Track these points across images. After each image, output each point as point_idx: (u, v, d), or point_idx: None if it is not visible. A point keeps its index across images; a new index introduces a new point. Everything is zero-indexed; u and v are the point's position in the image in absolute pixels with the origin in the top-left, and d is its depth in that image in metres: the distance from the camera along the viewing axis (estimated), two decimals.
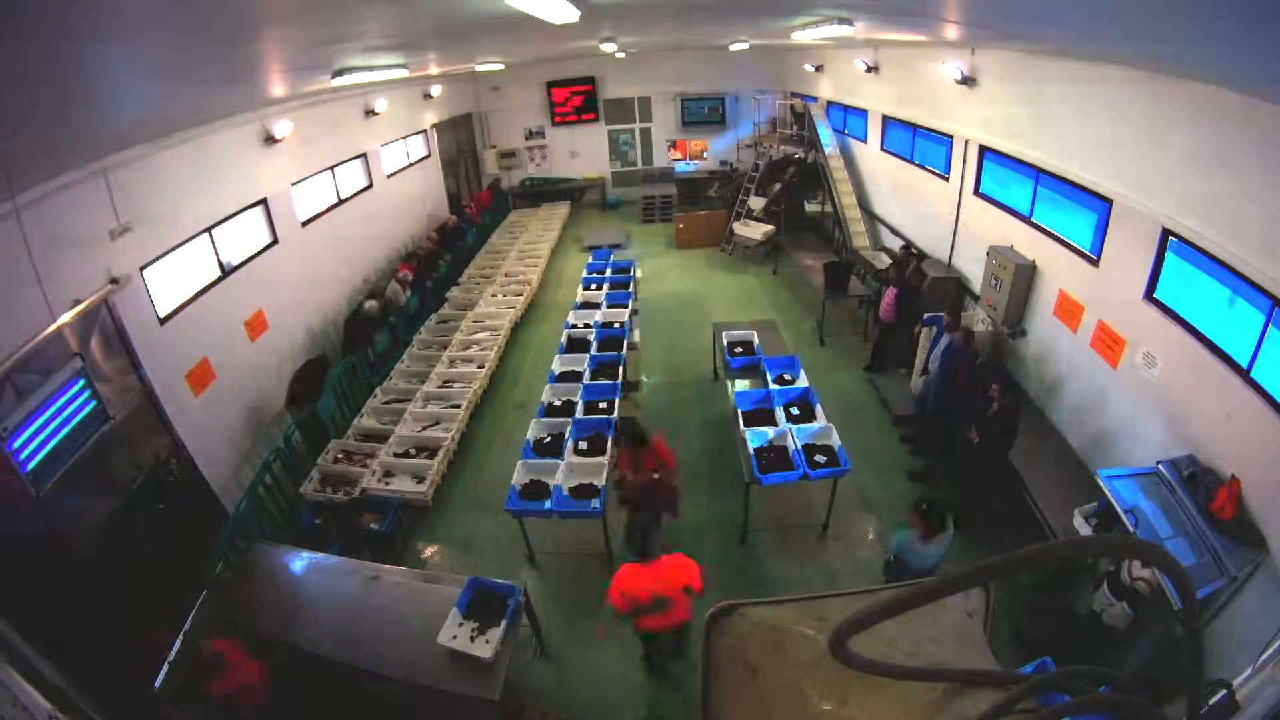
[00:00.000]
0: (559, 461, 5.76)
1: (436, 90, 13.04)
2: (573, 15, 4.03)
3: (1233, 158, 4.07)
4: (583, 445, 6.07)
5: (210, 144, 6.53)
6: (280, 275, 7.81)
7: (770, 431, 5.86)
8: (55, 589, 4.26)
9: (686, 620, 4.24)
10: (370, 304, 8.65)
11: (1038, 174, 6.45)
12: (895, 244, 10.26)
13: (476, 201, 14.59)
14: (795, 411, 6.18)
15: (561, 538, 5.91)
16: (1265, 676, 1.44)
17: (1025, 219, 6.75)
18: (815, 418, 6.08)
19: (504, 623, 4.18)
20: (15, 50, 2.12)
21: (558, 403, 6.82)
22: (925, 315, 7.22)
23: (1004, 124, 6.91)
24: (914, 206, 9.58)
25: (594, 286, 9.67)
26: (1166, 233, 4.82)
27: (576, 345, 7.98)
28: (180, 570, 5.17)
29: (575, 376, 7.20)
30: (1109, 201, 5.40)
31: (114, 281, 5.17)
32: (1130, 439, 5.23)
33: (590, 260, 10.82)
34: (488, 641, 4.12)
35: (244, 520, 5.59)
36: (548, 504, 5.36)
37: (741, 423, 6.02)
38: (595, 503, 5.35)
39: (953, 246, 8.30)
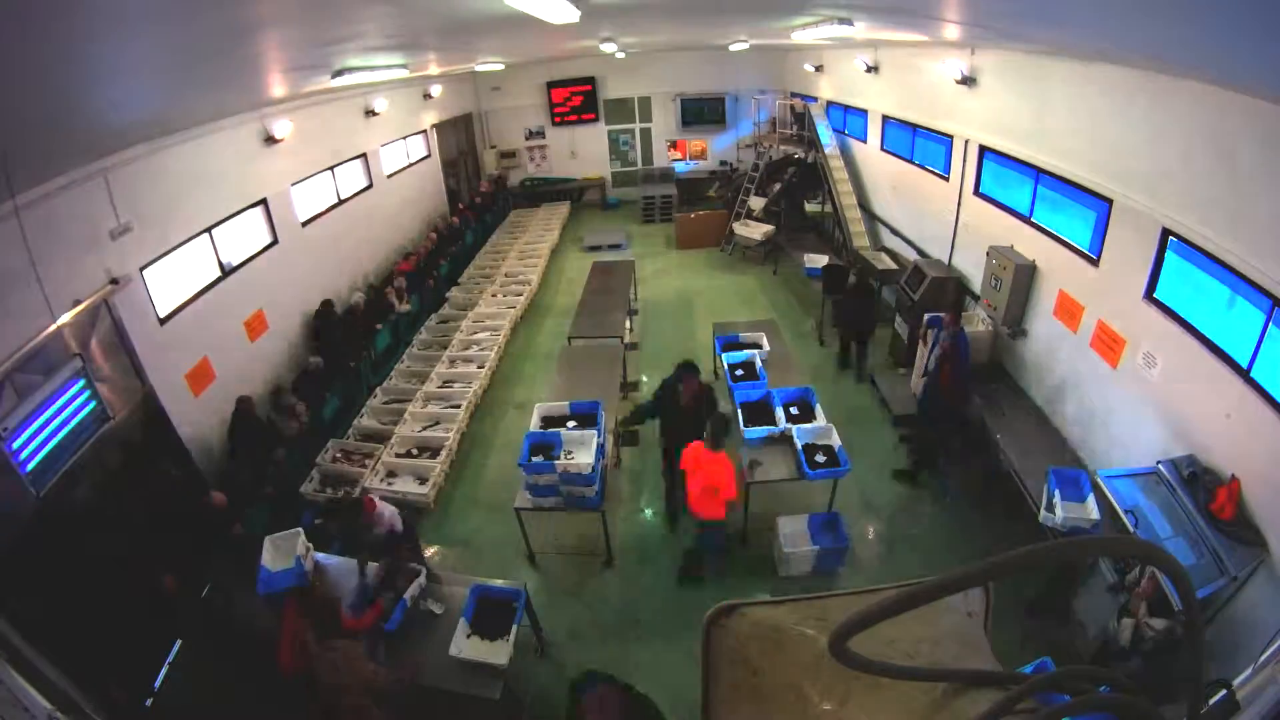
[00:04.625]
0: (557, 432, 5.69)
1: (436, 90, 13.03)
2: (573, 15, 4.03)
3: (1232, 158, 4.07)
4: (571, 424, 5.98)
5: (210, 144, 6.53)
6: (280, 275, 7.82)
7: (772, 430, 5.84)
8: (55, 589, 4.25)
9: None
10: (358, 296, 8.63)
11: (1038, 174, 6.44)
12: (896, 244, 10.24)
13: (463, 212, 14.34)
14: (795, 411, 6.18)
15: (562, 538, 5.91)
16: (1265, 676, 1.44)
17: (1025, 219, 6.74)
18: (815, 417, 6.08)
19: (514, 627, 4.19)
20: (15, 50, 2.13)
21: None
22: (926, 316, 7.22)
23: (1004, 124, 6.90)
24: (914, 206, 9.58)
25: None
26: (1166, 232, 4.81)
27: None
28: (180, 570, 5.17)
29: None
30: (1109, 201, 5.40)
31: (114, 281, 5.17)
32: (1130, 438, 5.23)
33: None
34: (506, 640, 4.13)
35: (244, 520, 5.58)
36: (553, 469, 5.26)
37: (741, 422, 6.02)
38: (593, 493, 5.30)
39: (953, 246, 8.29)
